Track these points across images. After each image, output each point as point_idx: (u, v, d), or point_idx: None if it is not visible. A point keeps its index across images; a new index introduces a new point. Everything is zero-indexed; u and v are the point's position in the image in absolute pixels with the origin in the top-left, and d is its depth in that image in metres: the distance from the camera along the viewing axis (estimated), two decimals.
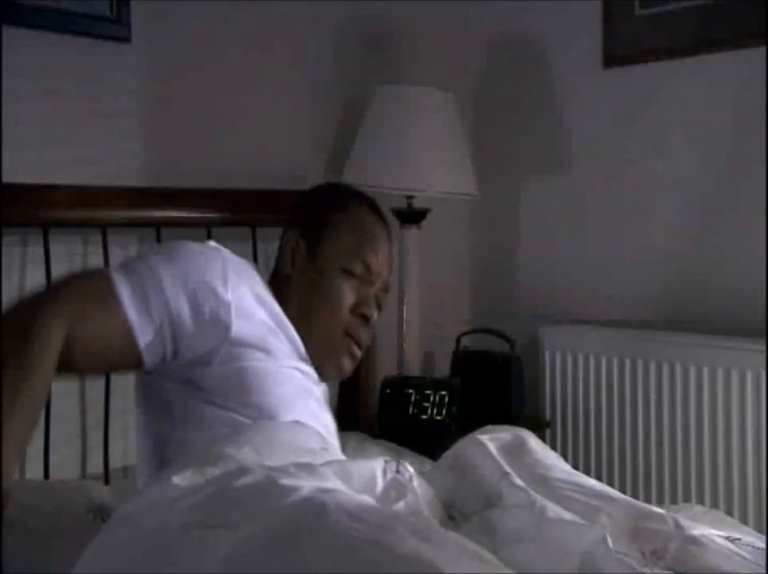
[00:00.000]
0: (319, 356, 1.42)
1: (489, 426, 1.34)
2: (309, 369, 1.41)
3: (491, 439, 1.27)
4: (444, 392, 2.16)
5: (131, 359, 1.25)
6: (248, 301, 1.31)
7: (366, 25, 2.42)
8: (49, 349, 1.16)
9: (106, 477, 1.82)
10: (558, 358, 2.35)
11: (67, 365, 1.20)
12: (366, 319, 1.44)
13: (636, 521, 1.11)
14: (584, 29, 2.40)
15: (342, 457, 1.31)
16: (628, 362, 2.22)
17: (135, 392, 1.36)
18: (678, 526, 1.11)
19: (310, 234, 1.47)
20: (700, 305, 2.21)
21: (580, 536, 1.07)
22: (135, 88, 1.99)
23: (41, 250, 1.76)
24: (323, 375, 1.44)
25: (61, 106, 1.86)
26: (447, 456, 1.30)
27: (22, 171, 1.72)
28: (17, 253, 1.79)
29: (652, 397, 2.18)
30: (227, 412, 1.28)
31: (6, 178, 1.71)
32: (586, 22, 2.39)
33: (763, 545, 1.14)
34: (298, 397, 1.36)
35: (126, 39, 1.95)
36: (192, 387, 1.29)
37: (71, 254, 1.86)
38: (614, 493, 1.21)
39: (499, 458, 1.23)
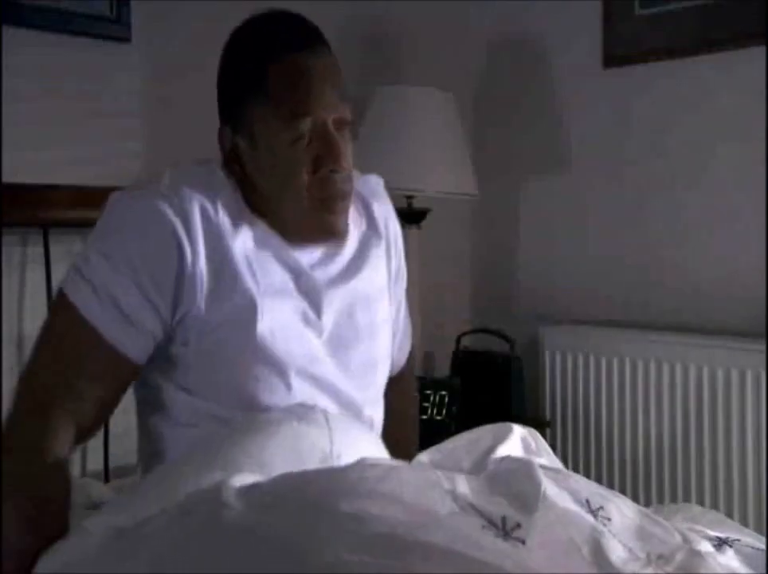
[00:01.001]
0: (303, 234, 1.29)
1: (500, 424, 1.30)
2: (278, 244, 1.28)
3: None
4: (444, 392, 2.16)
5: (126, 370, 1.23)
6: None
7: (366, 25, 2.42)
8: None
9: (106, 477, 1.82)
10: (558, 358, 2.35)
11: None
12: (334, 171, 1.25)
13: (642, 522, 1.09)
14: (584, 29, 2.40)
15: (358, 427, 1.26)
16: (628, 362, 2.22)
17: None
18: (686, 540, 1.09)
19: (240, 123, 1.28)
20: (701, 306, 2.21)
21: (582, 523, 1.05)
22: (135, 88, 1.99)
23: (41, 250, 1.76)
24: (321, 244, 1.31)
25: (61, 106, 1.86)
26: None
27: (22, 171, 1.72)
28: (17, 253, 1.79)
29: (652, 397, 2.18)
30: (207, 403, 1.23)
31: (6, 178, 1.71)
32: (586, 22, 2.39)
33: (763, 546, 1.14)
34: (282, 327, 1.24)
35: (126, 39, 1.95)
36: (172, 369, 1.25)
37: (71, 254, 1.86)
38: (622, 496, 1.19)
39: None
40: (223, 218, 1.24)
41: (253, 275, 1.24)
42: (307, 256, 1.31)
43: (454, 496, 1.01)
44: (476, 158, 2.38)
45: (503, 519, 0.99)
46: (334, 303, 1.31)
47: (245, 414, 1.21)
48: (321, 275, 1.31)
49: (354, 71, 2.39)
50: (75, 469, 1.85)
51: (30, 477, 1.15)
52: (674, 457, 2.15)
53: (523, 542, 0.97)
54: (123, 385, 1.26)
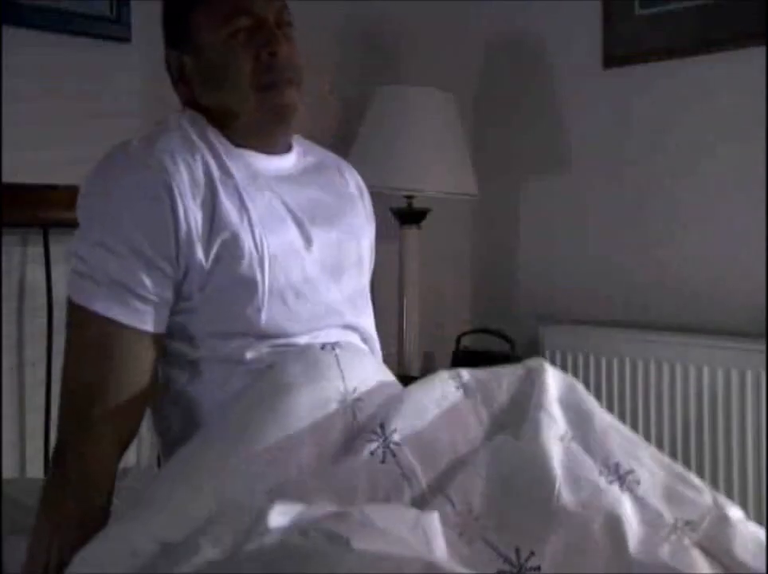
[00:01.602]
0: (257, 124, 1.29)
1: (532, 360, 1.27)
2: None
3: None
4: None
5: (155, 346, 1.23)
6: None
7: (365, 25, 2.42)
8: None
9: None
10: (558, 358, 2.35)
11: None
12: (271, 56, 1.26)
13: (673, 483, 1.10)
14: (584, 29, 2.40)
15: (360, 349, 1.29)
16: (628, 362, 2.22)
17: None
18: (716, 503, 1.09)
19: (183, 41, 1.31)
20: (701, 306, 2.21)
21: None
22: (135, 88, 1.99)
23: (41, 250, 1.76)
24: (276, 133, 1.32)
25: (61, 106, 1.86)
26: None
27: (22, 171, 1.72)
28: (17, 253, 1.79)
29: (652, 397, 2.18)
30: (222, 345, 1.22)
31: (6, 178, 1.71)
32: (586, 22, 2.39)
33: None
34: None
35: (126, 39, 1.95)
36: (185, 326, 1.24)
37: (71, 254, 1.86)
38: (652, 449, 1.18)
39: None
40: (198, 155, 1.24)
41: (242, 207, 1.23)
42: (277, 166, 1.32)
43: (468, 537, 1.01)
44: (476, 158, 2.38)
45: (517, 551, 1.00)
46: (321, 227, 1.32)
47: (262, 376, 1.20)
48: (300, 200, 1.31)
49: (354, 71, 2.40)
50: None
51: (77, 488, 1.16)
52: (674, 457, 2.13)
53: (538, 568, 0.98)
54: (154, 363, 1.24)
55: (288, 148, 1.37)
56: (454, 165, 2.27)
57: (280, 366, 1.21)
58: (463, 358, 2.35)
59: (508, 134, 2.58)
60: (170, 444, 1.31)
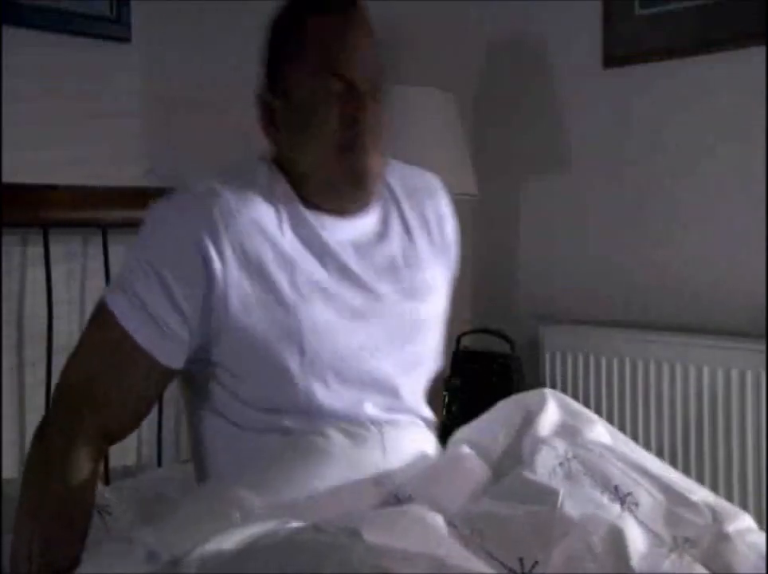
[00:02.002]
0: (332, 190, 1.28)
1: (534, 392, 1.33)
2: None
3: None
4: (444, 392, 2.16)
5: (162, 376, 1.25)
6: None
7: None
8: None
9: (106, 477, 1.82)
10: (558, 358, 2.35)
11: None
12: (355, 120, 1.25)
13: (672, 505, 1.11)
14: (584, 29, 2.40)
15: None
16: (628, 362, 2.22)
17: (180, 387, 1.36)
18: (716, 519, 1.10)
19: (277, 86, 1.31)
20: (701, 306, 2.21)
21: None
22: (135, 88, 1.99)
23: (41, 250, 1.76)
24: (353, 199, 1.31)
25: (61, 106, 1.86)
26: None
27: (22, 171, 1.72)
28: (17, 253, 1.79)
29: (652, 397, 2.18)
30: (256, 409, 1.24)
31: (6, 178, 1.71)
32: (586, 22, 2.39)
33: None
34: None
35: (126, 39, 1.95)
36: (218, 374, 1.26)
37: (71, 254, 1.86)
38: (654, 467, 1.19)
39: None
40: (257, 212, 1.24)
41: (291, 276, 1.23)
42: (348, 231, 1.30)
43: (471, 550, 1.02)
44: (476, 158, 2.38)
45: (521, 561, 1.01)
46: (381, 291, 1.30)
47: (300, 435, 1.22)
48: (366, 265, 1.30)
49: None
50: None
51: (53, 499, 1.18)
52: (674, 457, 2.14)
53: None
54: (159, 390, 1.28)
55: (365, 209, 1.34)
56: (454, 165, 2.27)
57: (324, 435, 1.22)
58: (463, 358, 2.36)
59: (508, 134, 2.58)
60: (200, 479, 1.34)
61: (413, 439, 1.29)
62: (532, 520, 1.05)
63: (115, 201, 1.84)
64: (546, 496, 1.08)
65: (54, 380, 1.73)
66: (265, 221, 1.24)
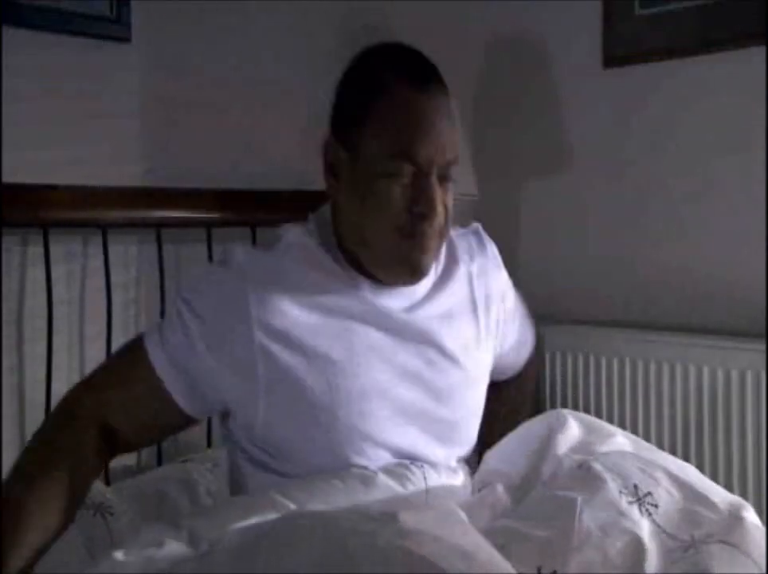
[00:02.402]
0: (383, 268, 1.28)
1: (552, 412, 1.34)
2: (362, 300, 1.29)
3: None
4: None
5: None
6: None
7: (365, 24, 2.42)
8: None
9: (106, 477, 1.82)
10: (558, 358, 2.35)
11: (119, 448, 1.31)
12: (424, 217, 1.23)
13: (690, 504, 1.12)
14: (584, 29, 2.40)
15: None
16: (628, 362, 2.22)
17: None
18: (732, 511, 1.12)
19: (346, 138, 1.26)
20: (701, 306, 2.21)
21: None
22: (135, 88, 1.99)
23: (41, 250, 1.76)
24: (401, 282, 1.30)
25: (61, 106, 1.86)
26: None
27: (22, 171, 1.72)
28: (17, 253, 1.79)
29: (652, 397, 2.18)
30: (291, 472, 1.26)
31: (6, 178, 1.71)
32: (586, 22, 2.39)
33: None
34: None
35: (126, 39, 1.95)
36: (250, 432, 1.28)
37: (71, 254, 1.86)
38: (675, 467, 1.21)
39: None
40: (298, 286, 1.25)
41: (329, 348, 1.24)
42: (394, 302, 1.31)
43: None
44: (476, 158, 2.38)
45: (539, 569, 1.02)
46: (420, 358, 1.31)
47: (345, 472, 1.22)
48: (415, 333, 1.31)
49: None
50: None
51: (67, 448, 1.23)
52: (674, 456, 2.14)
53: None
54: (173, 429, 1.34)
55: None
56: None
57: (369, 470, 1.23)
58: None
59: (508, 134, 2.58)
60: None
61: (448, 479, 1.30)
62: (551, 531, 1.06)
63: (115, 201, 1.84)
64: (564, 505, 1.08)
65: (54, 380, 1.75)
66: (301, 291, 1.25)
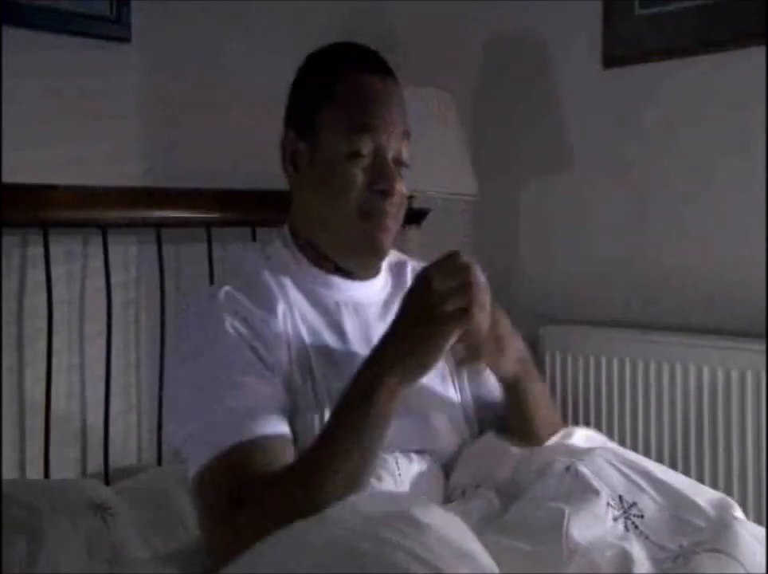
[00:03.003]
0: (345, 252, 1.31)
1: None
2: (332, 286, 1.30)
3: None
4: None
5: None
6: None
7: (364, 24, 2.42)
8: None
9: (106, 477, 1.82)
10: (558, 358, 2.35)
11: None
12: (385, 193, 1.27)
13: (677, 511, 1.11)
14: (584, 29, 2.40)
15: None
16: (628, 362, 2.22)
17: None
18: (720, 513, 1.10)
19: (304, 128, 1.30)
20: (701, 306, 2.21)
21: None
22: (135, 88, 1.99)
23: (41, 250, 1.76)
24: (361, 267, 1.33)
25: (61, 106, 1.86)
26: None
27: (22, 171, 1.72)
28: (17, 253, 1.79)
29: (652, 397, 2.18)
30: None
31: (6, 178, 1.71)
32: (586, 22, 2.39)
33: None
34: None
35: (126, 39, 1.95)
36: None
37: (71, 254, 1.86)
38: (659, 472, 1.18)
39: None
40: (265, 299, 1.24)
41: (310, 347, 1.24)
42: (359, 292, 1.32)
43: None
44: (476, 158, 2.38)
45: None
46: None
47: None
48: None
49: None
50: (75, 470, 1.86)
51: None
52: (674, 457, 2.14)
53: None
54: (284, 457, 1.17)
55: (376, 272, 1.37)
56: (454, 165, 2.27)
57: None
58: None
59: (508, 134, 2.58)
60: None
61: (422, 469, 1.29)
62: (539, 546, 1.06)
63: (115, 201, 1.84)
64: (552, 518, 1.08)
65: (54, 380, 1.75)
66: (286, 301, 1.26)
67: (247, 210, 2.04)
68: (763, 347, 1.99)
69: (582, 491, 1.12)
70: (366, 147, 1.26)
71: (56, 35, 1.85)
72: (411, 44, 2.48)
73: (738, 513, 1.14)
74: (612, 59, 2.36)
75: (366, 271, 1.35)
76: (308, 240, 1.32)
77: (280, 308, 1.25)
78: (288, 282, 1.29)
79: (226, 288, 1.23)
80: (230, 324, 1.19)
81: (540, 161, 2.54)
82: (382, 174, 1.26)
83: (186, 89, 2.05)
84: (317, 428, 1.18)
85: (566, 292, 2.47)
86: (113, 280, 1.85)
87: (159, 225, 1.92)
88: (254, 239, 2.04)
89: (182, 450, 1.17)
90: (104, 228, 1.83)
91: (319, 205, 1.29)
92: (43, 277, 1.76)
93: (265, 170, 2.14)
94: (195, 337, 1.21)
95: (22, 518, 1.39)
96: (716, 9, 2.16)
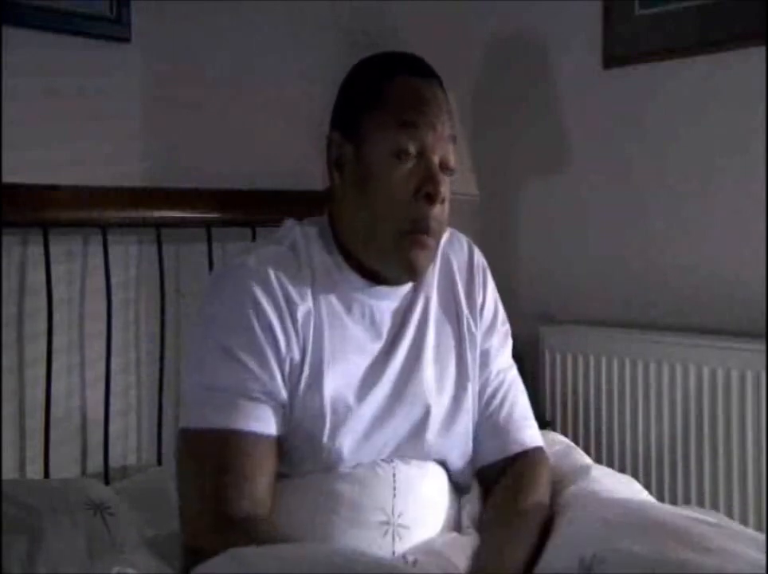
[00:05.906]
0: (383, 261, 1.25)
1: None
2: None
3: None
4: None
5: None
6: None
7: (365, 24, 2.42)
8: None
9: (106, 478, 1.82)
10: (558, 358, 2.35)
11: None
12: (430, 198, 1.22)
13: (655, 566, 1.06)
14: (584, 29, 2.40)
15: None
16: (628, 362, 2.22)
17: None
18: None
19: (351, 129, 1.26)
20: (701, 306, 2.21)
21: None
22: (135, 88, 1.99)
23: (41, 250, 1.76)
24: (394, 280, 1.29)
25: (61, 106, 1.86)
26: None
27: (22, 171, 1.72)
28: (17, 253, 1.79)
29: (652, 397, 2.18)
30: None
31: (6, 178, 1.71)
32: (586, 22, 2.39)
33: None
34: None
35: (126, 39, 1.95)
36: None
37: (71, 254, 1.86)
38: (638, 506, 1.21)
39: None
40: (290, 285, 1.23)
41: (328, 341, 1.23)
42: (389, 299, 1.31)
43: None
44: (476, 158, 2.38)
45: None
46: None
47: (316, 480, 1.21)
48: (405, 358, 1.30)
49: None
50: (75, 470, 1.86)
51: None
52: (674, 457, 2.15)
53: None
54: (276, 463, 1.21)
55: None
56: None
57: (333, 486, 1.21)
58: None
59: (508, 134, 2.58)
60: None
61: (423, 476, 1.28)
62: None
63: (115, 201, 1.84)
64: None
65: (54, 380, 1.75)
66: (297, 292, 1.23)
67: (247, 210, 2.04)
68: (763, 347, 1.99)
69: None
70: (413, 146, 1.22)
71: (56, 35, 1.85)
72: (411, 44, 2.47)
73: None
74: (612, 59, 2.36)
75: (402, 284, 1.31)
76: (346, 246, 1.29)
77: (308, 295, 1.23)
78: (318, 276, 1.27)
79: (260, 257, 1.23)
80: (258, 295, 1.19)
81: (540, 161, 2.54)
82: (427, 177, 1.22)
83: (186, 89, 2.05)
84: (315, 410, 1.20)
85: (566, 292, 2.47)
86: (113, 279, 1.85)
87: (159, 225, 1.92)
88: (254, 239, 2.04)
89: (182, 397, 1.24)
90: (104, 228, 1.83)
91: (362, 210, 1.25)
92: (43, 277, 1.76)
93: (265, 170, 2.15)
94: (219, 303, 1.21)
95: (22, 518, 1.39)
96: (716, 9, 2.17)
